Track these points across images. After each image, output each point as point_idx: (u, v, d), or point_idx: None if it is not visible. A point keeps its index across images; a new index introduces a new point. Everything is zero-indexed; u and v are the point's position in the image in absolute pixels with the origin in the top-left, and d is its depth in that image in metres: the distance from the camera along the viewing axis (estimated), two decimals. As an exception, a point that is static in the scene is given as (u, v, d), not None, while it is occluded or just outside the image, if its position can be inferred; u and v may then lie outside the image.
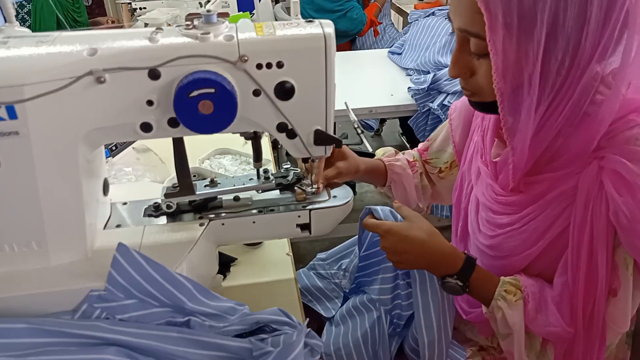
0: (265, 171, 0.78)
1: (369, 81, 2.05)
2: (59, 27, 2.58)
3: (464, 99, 0.93)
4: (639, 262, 0.66)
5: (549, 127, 0.65)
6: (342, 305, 0.94)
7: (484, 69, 0.65)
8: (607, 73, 0.64)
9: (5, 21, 1.13)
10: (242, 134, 0.72)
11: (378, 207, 0.79)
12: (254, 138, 0.73)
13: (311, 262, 1.04)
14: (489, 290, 0.73)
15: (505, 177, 0.73)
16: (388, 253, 0.76)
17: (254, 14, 2.19)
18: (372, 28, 2.80)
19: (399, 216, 0.78)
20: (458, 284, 0.73)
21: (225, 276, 0.87)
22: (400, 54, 2.20)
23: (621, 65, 0.62)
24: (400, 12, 3.04)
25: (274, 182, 0.76)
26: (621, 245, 0.66)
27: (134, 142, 1.22)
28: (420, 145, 1.05)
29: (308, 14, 2.67)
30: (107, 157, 1.10)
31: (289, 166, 0.80)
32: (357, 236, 0.92)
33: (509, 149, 0.68)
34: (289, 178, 0.77)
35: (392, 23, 2.99)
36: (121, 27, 2.76)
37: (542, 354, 0.75)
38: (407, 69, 2.09)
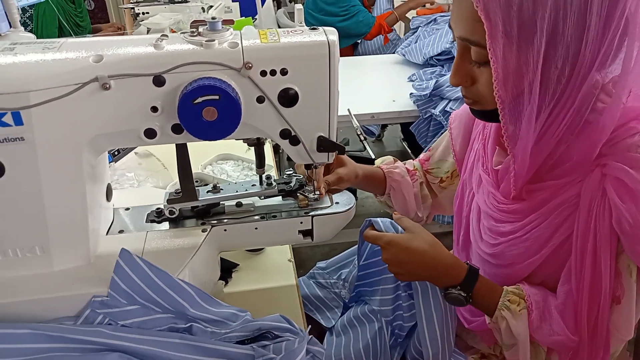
0: (268, 177, 0.78)
1: (370, 87, 2.05)
2: (61, 32, 2.59)
3: (464, 107, 0.93)
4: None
5: (550, 135, 0.65)
6: (342, 314, 0.94)
7: (484, 77, 0.65)
8: (607, 81, 0.64)
9: (11, 26, 1.14)
10: (245, 140, 0.72)
11: (379, 219, 0.79)
12: (257, 144, 0.73)
13: (311, 271, 1.04)
14: (492, 301, 0.73)
15: (507, 185, 0.73)
16: (390, 265, 0.75)
17: (256, 19, 2.20)
18: (381, 35, 2.74)
19: (399, 228, 0.78)
20: (461, 294, 0.72)
21: (227, 282, 0.87)
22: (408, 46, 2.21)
23: (622, 73, 0.62)
24: (402, 17, 3.04)
25: (276, 188, 0.76)
26: (624, 253, 0.66)
27: (136, 147, 1.23)
28: (421, 155, 1.05)
29: (312, 17, 2.66)
30: (109, 162, 1.10)
31: (291, 172, 0.80)
32: (356, 246, 0.92)
33: (510, 156, 0.68)
34: (292, 184, 0.77)
35: (394, 29, 2.99)
36: (122, 33, 2.76)
37: (547, 362, 0.75)
38: (415, 63, 2.10)
